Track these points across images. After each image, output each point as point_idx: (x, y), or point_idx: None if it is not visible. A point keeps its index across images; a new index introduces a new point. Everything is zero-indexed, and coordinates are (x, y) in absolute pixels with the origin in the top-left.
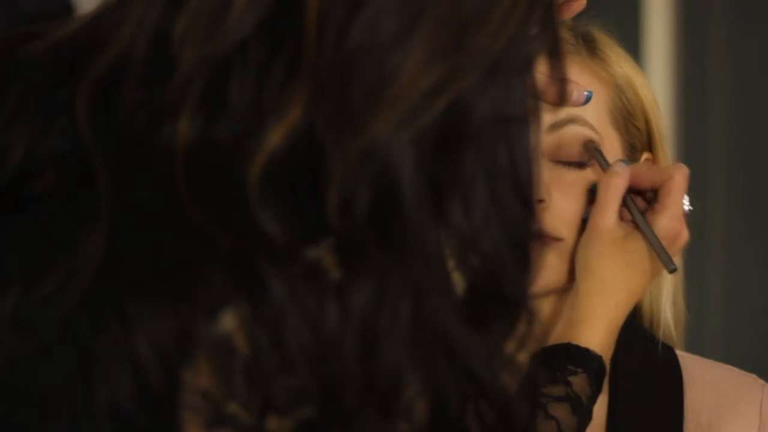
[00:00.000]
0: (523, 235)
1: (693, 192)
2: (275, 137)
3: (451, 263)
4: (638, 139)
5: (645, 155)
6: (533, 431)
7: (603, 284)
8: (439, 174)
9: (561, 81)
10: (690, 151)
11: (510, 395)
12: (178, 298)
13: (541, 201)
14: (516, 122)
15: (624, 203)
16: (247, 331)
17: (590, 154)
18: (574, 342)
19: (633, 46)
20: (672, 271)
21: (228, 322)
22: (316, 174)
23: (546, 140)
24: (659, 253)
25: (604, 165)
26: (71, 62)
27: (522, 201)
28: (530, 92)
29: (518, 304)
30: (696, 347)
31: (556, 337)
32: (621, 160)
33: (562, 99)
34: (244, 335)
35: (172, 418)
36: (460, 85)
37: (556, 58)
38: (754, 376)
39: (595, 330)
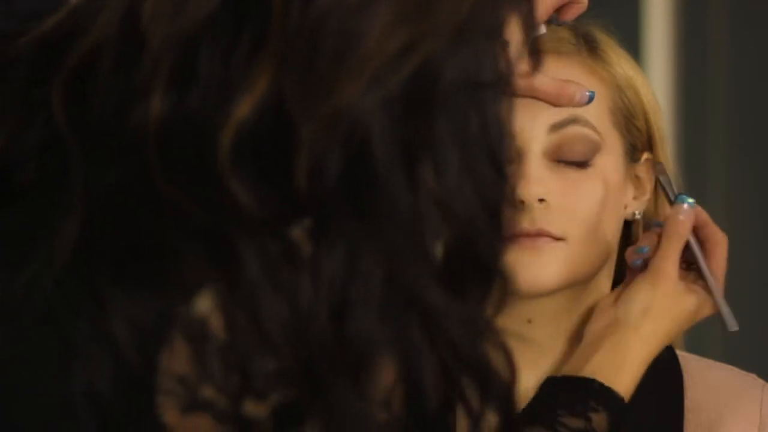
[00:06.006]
0: (497, 201)
1: (693, 193)
2: (244, 108)
3: (430, 229)
4: (639, 139)
5: (645, 155)
6: (513, 400)
7: (658, 333)
8: (410, 138)
9: (535, 50)
10: (690, 151)
11: (490, 361)
12: (155, 279)
13: (542, 200)
14: (487, 89)
15: (688, 249)
16: (224, 311)
17: (658, 182)
18: (608, 383)
19: (633, 46)
20: (734, 330)
21: (204, 304)
22: (286, 143)
23: (548, 140)
24: (723, 310)
25: (672, 197)
26: (51, 55)
27: (495, 167)
28: (501, 59)
29: (493, 268)
30: (696, 347)
31: (592, 368)
32: (686, 200)
33: (536, 67)
34: (221, 316)
35: (150, 402)
36: (427, 48)
37: (529, 24)
38: (754, 376)
39: (634, 378)
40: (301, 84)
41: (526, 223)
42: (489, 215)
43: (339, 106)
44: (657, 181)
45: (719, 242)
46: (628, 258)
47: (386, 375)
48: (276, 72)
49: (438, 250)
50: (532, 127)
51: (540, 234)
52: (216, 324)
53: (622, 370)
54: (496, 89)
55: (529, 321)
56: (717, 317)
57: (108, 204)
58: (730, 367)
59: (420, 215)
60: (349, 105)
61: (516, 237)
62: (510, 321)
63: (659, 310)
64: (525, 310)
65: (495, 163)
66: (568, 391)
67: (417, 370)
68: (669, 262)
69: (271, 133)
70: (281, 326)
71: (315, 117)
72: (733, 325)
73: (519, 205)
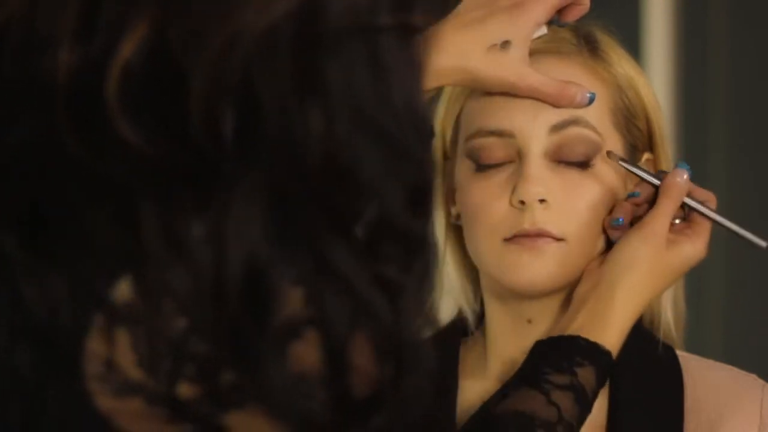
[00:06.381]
0: (400, 162)
1: None
2: (126, 50)
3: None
4: (639, 139)
5: (646, 155)
6: (423, 366)
7: (640, 288)
8: (300, 81)
9: None
10: (690, 151)
11: (418, 339)
12: (66, 245)
13: (542, 201)
14: (383, 34)
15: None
16: (135, 281)
17: (625, 168)
18: (594, 339)
19: (633, 46)
20: (765, 246)
21: (125, 288)
22: (178, 88)
23: (549, 141)
24: (744, 235)
25: (649, 176)
26: None
27: (394, 122)
28: (401, 4)
29: (407, 232)
30: (696, 347)
31: (577, 326)
32: (686, 167)
33: (444, 11)
34: (138, 293)
35: (79, 386)
36: None
37: None
38: (754, 376)
39: (619, 332)
40: (184, 20)
41: (526, 224)
42: (390, 175)
43: (223, 42)
44: (627, 170)
45: (710, 198)
46: (610, 234)
47: (312, 352)
48: (157, 14)
49: (342, 206)
50: (533, 128)
51: (540, 234)
52: (139, 306)
53: (607, 325)
54: (394, 35)
55: (529, 321)
56: (719, 325)
57: (14, 164)
58: (730, 367)
59: (312, 165)
60: (233, 40)
61: (516, 237)
62: (510, 321)
63: (645, 265)
64: (525, 310)
65: (392, 117)
66: (554, 350)
67: (339, 340)
68: (661, 221)
69: (161, 77)
70: (189, 288)
71: (201, 55)
72: (761, 242)
73: (519, 205)
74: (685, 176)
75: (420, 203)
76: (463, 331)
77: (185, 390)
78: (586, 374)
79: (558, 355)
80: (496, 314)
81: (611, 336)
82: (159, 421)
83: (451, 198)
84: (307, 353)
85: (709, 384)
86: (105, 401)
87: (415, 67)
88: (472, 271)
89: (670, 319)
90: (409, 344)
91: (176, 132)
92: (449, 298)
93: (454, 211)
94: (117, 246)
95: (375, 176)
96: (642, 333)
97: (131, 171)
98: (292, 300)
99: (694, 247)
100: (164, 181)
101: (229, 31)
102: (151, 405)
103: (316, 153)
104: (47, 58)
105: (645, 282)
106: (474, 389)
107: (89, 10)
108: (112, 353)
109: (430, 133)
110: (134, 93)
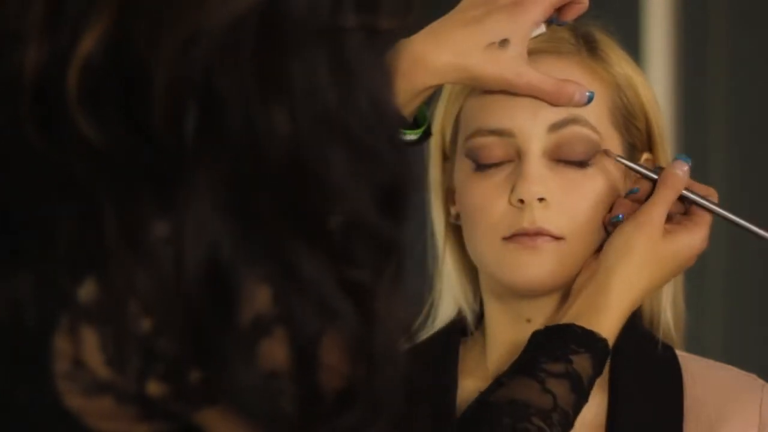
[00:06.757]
0: (371, 162)
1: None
2: (87, 44)
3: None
4: (638, 138)
5: (645, 155)
6: (396, 365)
7: (636, 275)
8: (263, 79)
9: None
10: (690, 151)
11: (366, 326)
12: (29, 240)
13: (542, 200)
14: (347, 35)
15: (683, 198)
16: (99, 282)
17: (623, 165)
18: (589, 326)
19: (633, 46)
20: None
21: (90, 288)
22: (140, 84)
23: (548, 140)
24: (748, 227)
25: (647, 171)
26: None
27: (359, 122)
28: (365, 5)
29: (377, 237)
30: (696, 347)
31: (573, 314)
32: (681, 157)
33: (407, 14)
34: (106, 294)
35: (49, 388)
36: None
37: None
38: (754, 376)
39: (615, 320)
40: (145, 14)
41: (525, 223)
42: (358, 177)
43: (185, 36)
44: (626, 166)
45: (712, 193)
46: (610, 232)
47: (281, 350)
48: (120, 4)
49: (308, 207)
50: (532, 127)
51: (539, 233)
52: (104, 306)
53: (602, 312)
54: (359, 37)
55: (529, 320)
56: (719, 325)
57: None
58: (730, 367)
59: (275, 164)
60: (194, 35)
61: (515, 236)
62: (509, 320)
63: (640, 253)
64: (524, 309)
65: (358, 120)
66: (550, 339)
67: (307, 339)
68: (657, 209)
69: (122, 72)
70: (153, 288)
71: (162, 50)
72: (767, 234)
73: (518, 204)
74: (685, 168)
75: (392, 206)
76: (462, 331)
77: (154, 388)
78: (581, 362)
79: (553, 344)
80: (495, 314)
81: (607, 323)
82: (129, 420)
83: (450, 198)
84: (276, 351)
85: (708, 384)
86: (74, 400)
87: (382, 68)
88: (471, 271)
89: (669, 319)
90: (381, 347)
91: (138, 127)
92: (449, 298)
93: (453, 211)
94: (81, 245)
95: (341, 177)
96: (642, 333)
97: (93, 168)
98: (260, 298)
99: (691, 237)
100: (126, 179)
101: (190, 26)
102: (121, 404)
103: (280, 152)
104: (16, 54)
105: (641, 270)
106: (473, 388)
107: (55, 6)
108: (79, 352)
109: (400, 135)
110: (95, 87)
